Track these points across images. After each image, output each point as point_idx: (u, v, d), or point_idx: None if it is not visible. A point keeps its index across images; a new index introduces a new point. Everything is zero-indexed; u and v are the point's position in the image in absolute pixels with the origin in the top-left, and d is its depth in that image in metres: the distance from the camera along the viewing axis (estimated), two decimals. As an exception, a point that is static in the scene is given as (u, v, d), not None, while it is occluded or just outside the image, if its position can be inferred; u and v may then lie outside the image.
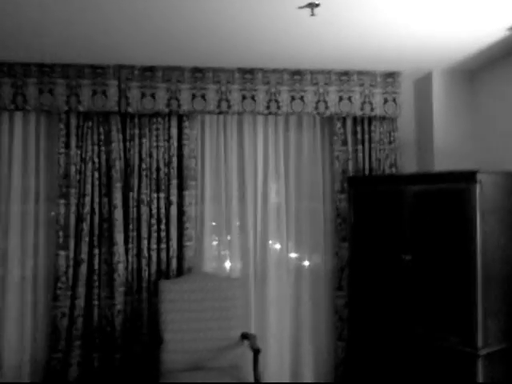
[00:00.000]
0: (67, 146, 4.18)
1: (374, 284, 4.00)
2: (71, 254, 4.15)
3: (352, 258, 4.26)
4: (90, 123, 4.21)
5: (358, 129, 4.46)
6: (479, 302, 3.16)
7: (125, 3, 2.95)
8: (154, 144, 4.27)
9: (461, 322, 3.26)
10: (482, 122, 4.29)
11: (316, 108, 4.31)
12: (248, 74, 4.26)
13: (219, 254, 4.51)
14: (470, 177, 3.21)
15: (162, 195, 4.26)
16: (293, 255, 4.59)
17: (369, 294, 4.06)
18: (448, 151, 4.32)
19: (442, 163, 4.26)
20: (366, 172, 4.44)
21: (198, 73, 4.22)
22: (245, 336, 3.94)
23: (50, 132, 4.32)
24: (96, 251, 4.19)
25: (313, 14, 2.73)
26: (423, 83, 4.54)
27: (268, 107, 4.26)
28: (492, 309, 3.23)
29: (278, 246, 4.56)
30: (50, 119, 4.30)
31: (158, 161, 4.27)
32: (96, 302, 4.17)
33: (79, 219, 4.18)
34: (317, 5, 2.70)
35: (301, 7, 2.76)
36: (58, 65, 4.10)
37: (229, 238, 4.51)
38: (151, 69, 4.18)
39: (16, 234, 4.23)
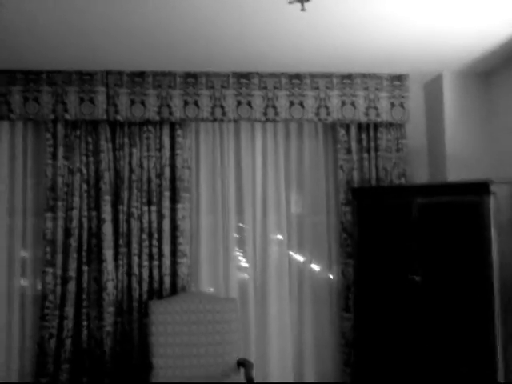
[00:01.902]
0: (54, 156, 3.99)
1: (382, 307, 3.71)
2: (59, 271, 3.93)
3: (358, 277, 3.97)
4: (78, 132, 4.02)
5: (363, 136, 4.21)
6: (498, 328, 2.82)
7: (113, 7, 2.81)
8: (145, 154, 4.05)
9: (478, 351, 2.92)
10: (498, 127, 3.99)
11: (317, 114, 4.07)
12: (243, 78, 4.04)
13: (216, 272, 4.22)
14: (482, 188, 2.91)
15: (153, 208, 4.04)
16: (296, 273, 4.29)
17: (376, 318, 3.77)
18: (462, 160, 4.02)
19: (456, 172, 3.97)
20: (373, 182, 4.15)
21: (191, 78, 4.01)
22: (241, 363, 3.66)
23: (37, 142, 4.14)
24: (85, 268, 3.97)
25: (303, 9, 2.46)
26: (433, 86, 4.26)
27: (265, 113, 4.03)
28: None
29: (279, 263, 4.26)
30: (38, 128, 4.13)
31: (149, 171, 4.05)
32: (85, 323, 3.95)
33: (67, 234, 3.97)
34: (307, -1, 2.43)
35: (291, 2, 2.49)
36: (43, 71, 3.93)
37: (226, 253, 4.23)
38: (141, 74, 3.99)
39: (3, 248, 4.04)
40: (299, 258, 4.32)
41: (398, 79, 4.15)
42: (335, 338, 4.24)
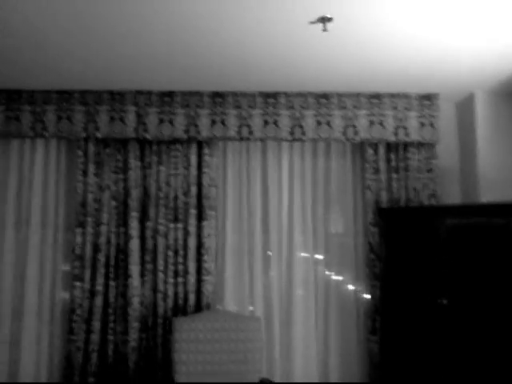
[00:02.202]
0: (85, 173, 4.08)
1: (408, 331, 3.58)
2: (87, 286, 3.99)
3: (385, 300, 3.85)
4: (108, 150, 4.11)
5: (392, 156, 4.13)
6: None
7: (142, 28, 2.91)
8: (173, 172, 4.09)
9: (508, 376, 2.78)
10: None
11: (344, 133, 4.02)
12: (270, 98, 4.05)
13: (240, 289, 4.19)
14: (513, 210, 2.79)
15: (179, 225, 4.05)
16: (322, 294, 4.22)
17: (403, 341, 3.63)
18: (495, 180, 3.89)
19: (489, 193, 3.84)
20: (402, 203, 4.05)
21: (218, 97, 4.04)
22: (263, 383, 3.60)
23: (69, 159, 4.25)
24: (112, 283, 4.01)
25: (325, 30, 2.46)
26: (465, 106, 4.15)
27: (292, 133, 4.01)
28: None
29: (305, 282, 4.19)
30: (71, 146, 4.24)
31: (176, 189, 4.08)
32: (111, 337, 3.98)
33: (95, 249, 4.03)
34: (329, 19, 2.43)
35: (312, 22, 2.50)
36: (76, 91, 4.05)
37: (251, 271, 4.20)
38: (170, 94, 4.05)
39: (35, 262, 4.13)
40: (326, 277, 4.24)
41: (428, 98, 4.07)
42: (361, 360, 4.13)
